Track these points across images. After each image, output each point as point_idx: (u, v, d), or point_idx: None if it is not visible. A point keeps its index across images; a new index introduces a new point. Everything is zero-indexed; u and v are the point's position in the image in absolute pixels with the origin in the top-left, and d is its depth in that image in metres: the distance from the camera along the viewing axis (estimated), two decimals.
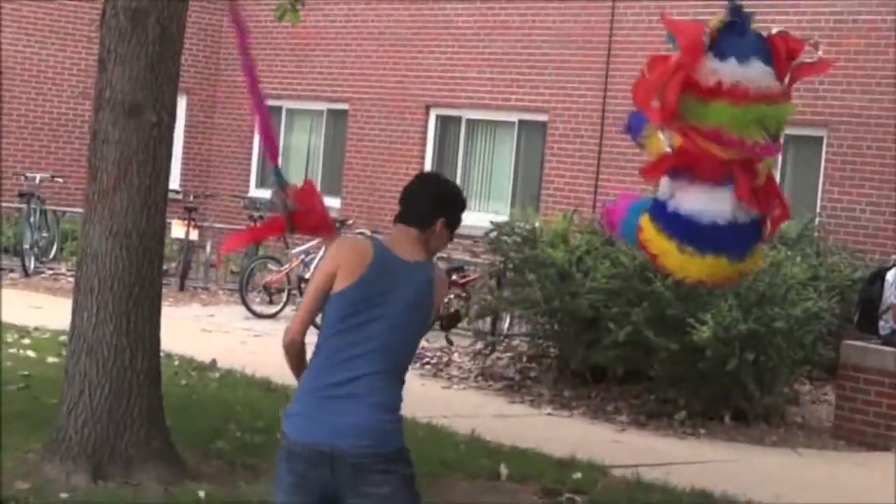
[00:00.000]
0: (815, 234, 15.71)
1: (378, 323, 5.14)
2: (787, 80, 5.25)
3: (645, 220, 5.38)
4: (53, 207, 20.79)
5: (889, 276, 12.82)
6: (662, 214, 5.34)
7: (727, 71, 5.14)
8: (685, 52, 5.14)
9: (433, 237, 5.25)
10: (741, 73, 5.13)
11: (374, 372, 5.11)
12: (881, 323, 12.84)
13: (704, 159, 5.16)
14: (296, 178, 21.43)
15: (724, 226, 5.18)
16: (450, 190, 5.40)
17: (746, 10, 5.28)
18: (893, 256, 13.95)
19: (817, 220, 16.20)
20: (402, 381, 5.21)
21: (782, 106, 5.19)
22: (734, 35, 5.22)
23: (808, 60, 5.33)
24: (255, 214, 20.46)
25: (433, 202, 5.27)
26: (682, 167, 5.26)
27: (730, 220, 5.17)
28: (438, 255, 5.72)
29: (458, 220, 5.33)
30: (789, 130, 16.76)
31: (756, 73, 5.14)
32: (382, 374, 5.12)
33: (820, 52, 5.38)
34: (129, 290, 8.29)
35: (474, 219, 19.02)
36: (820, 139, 16.72)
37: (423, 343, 15.92)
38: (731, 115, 5.09)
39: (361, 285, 5.12)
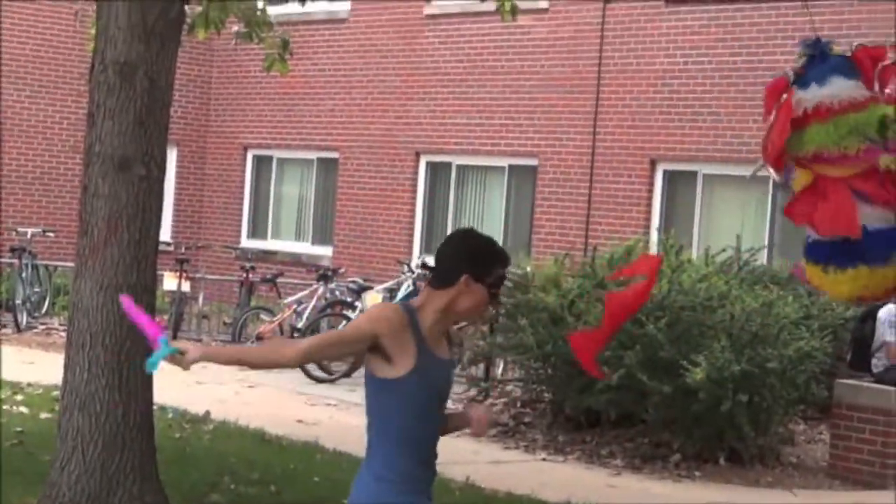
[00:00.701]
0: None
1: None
2: (876, 85, 5.36)
3: (804, 260, 5.53)
4: (45, 262, 20.77)
5: (881, 314, 12.83)
6: (807, 246, 5.49)
7: (808, 96, 5.26)
8: (779, 112, 5.32)
9: (463, 294, 4.92)
10: (820, 93, 5.25)
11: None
12: (874, 361, 12.85)
13: (828, 183, 5.27)
14: (288, 228, 21.52)
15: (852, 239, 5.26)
16: (475, 243, 5.03)
17: (824, 39, 5.42)
18: None
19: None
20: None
21: (874, 108, 5.28)
22: (816, 64, 5.36)
23: (890, 62, 5.44)
24: (247, 265, 20.48)
25: (455, 257, 4.97)
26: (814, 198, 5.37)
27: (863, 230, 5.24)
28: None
29: (488, 274, 4.93)
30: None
31: (836, 89, 5.26)
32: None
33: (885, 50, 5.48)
34: (120, 345, 8.28)
35: None
36: None
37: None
38: (824, 134, 5.21)
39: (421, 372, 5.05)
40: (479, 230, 5.20)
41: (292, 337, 17.76)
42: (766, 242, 16.82)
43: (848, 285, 5.30)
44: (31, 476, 9.28)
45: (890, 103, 5.33)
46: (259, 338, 18.26)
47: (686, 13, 17.40)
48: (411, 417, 4.98)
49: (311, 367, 16.90)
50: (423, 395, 4.94)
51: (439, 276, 4.96)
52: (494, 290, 4.95)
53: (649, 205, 18.29)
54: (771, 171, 5.44)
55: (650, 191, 18.29)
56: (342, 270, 20.07)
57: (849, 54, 5.37)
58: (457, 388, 15.43)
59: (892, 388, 12.42)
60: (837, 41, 5.41)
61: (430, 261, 16.85)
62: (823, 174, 5.26)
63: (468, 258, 4.92)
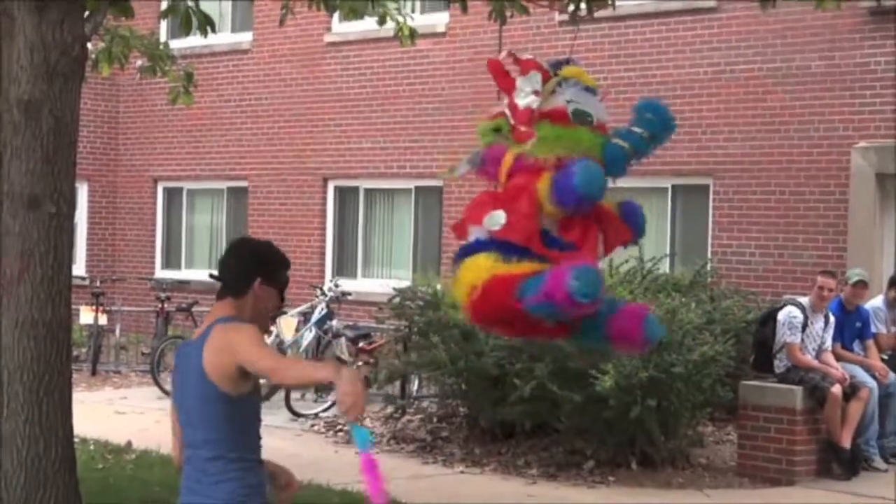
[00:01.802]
0: (708, 279, 15.89)
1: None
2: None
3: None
4: None
5: (780, 316, 12.97)
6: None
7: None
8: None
9: (260, 298, 5.11)
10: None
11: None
12: (776, 362, 12.98)
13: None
14: (201, 257, 21.29)
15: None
16: (260, 248, 5.24)
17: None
18: (784, 297, 14.10)
19: (709, 265, 16.38)
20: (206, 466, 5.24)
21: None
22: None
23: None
24: (163, 295, 20.36)
25: (244, 264, 5.13)
26: None
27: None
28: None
29: (277, 276, 5.15)
30: (677, 181, 17.00)
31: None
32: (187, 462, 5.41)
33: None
34: (38, 380, 8.20)
35: (377, 285, 19.09)
36: (706, 187, 16.94)
37: (333, 410, 15.92)
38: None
39: None
40: (281, 244, 5.45)
41: None
42: (668, 251, 16.95)
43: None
44: None
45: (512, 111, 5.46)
46: None
47: (579, 33, 17.53)
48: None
49: None
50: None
51: (232, 286, 5.10)
52: (282, 293, 5.16)
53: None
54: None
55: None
56: None
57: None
58: (374, 407, 15.48)
59: (795, 388, 12.57)
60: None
61: (347, 285, 16.74)
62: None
63: (257, 263, 5.11)
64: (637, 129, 5.31)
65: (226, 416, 5.07)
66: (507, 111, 5.47)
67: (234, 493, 5.14)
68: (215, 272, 5.21)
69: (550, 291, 4.97)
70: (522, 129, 5.36)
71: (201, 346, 5.03)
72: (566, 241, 5.25)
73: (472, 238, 5.35)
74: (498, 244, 5.27)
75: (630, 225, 5.49)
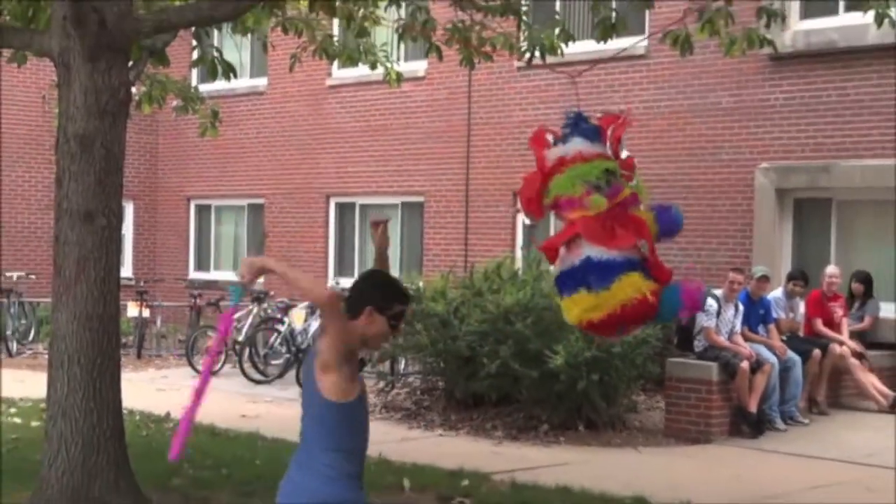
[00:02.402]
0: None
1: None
2: (609, 143, 5.39)
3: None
4: (29, 299, 20.46)
5: None
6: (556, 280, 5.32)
7: (552, 154, 5.26)
8: (538, 162, 5.26)
9: (366, 326, 4.62)
10: (562, 150, 5.25)
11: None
12: (695, 342, 13.00)
13: (567, 227, 5.17)
14: (226, 261, 21.16)
15: (577, 267, 5.06)
16: (382, 281, 4.79)
17: (582, 111, 5.45)
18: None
19: None
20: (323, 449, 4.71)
21: (600, 161, 5.29)
22: (569, 129, 5.36)
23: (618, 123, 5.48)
24: (195, 293, 20.32)
25: (364, 290, 4.70)
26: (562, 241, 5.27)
27: (582, 261, 5.05)
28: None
29: (388, 308, 4.65)
30: None
31: (573, 146, 5.25)
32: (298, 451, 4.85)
33: (623, 118, 5.50)
34: (93, 363, 8.18)
35: None
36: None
37: None
38: (559, 182, 5.18)
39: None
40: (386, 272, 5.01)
41: (234, 349, 17.62)
42: None
43: (576, 309, 5.06)
44: (25, 474, 9.13)
45: (616, 159, 5.36)
46: (208, 351, 18.10)
47: (534, 76, 17.53)
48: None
49: (251, 371, 16.79)
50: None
51: (349, 306, 4.66)
52: (395, 322, 4.67)
53: (514, 229, 18.38)
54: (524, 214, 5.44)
55: (514, 218, 18.37)
56: (272, 293, 19.95)
57: (595, 121, 5.42)
58: (368, 382, 15.43)
59: (710, 364, 12.60)
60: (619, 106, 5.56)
61: (345, 283, 16.73)
62: (566, 217, 5.15)
63: (373, 293, 4.68)
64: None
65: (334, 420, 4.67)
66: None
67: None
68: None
69: (688, 300, 5.18)
70: (544, 181, 5.32)
71: (314, 360, 4.67)
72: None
73: (584, 255, 5.10)
74: (629, 262, 5.11)
75: (663, 230, 5.48)
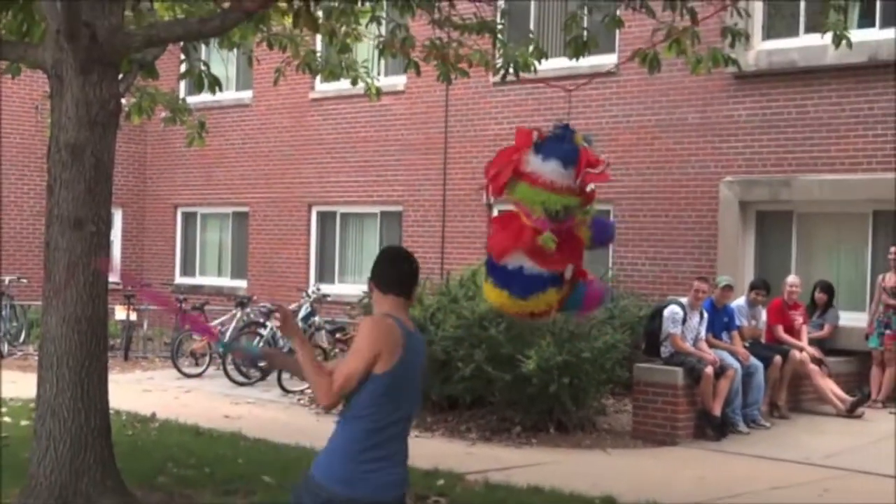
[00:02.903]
0: (610, 283, 15.92)
1: (408, 392, 4.76)
2: (579, 181, 5.44)
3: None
4: (21, 302, 20.36)
5: (665, 312, 13.01)
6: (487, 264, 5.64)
7: (531, 161, 5.34)
8: (517, 148, 5.38)
9: (377, 304, 4.86)
10: (538, 165, 5.32)
11: (404, 436, 4.79)
12: (662, 348, 13.03)
13: (514, 220, 5.46)
14: (211, 267, 21.00)
15: (512, 271, 5.39)
16: (380, 254, 4.98)
17: (570, 127, 5.53)
18: (668, 298, 14.15)
19: (610, 272, 16.42)
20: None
21: (565, 197, 5.38)
22: (554, 142, 5.44)
23: (596, 172, 5.53)
24: (181, 297, 20.23)
25: (413, 276, 4.87)
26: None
27: (515, 268, 5.38)
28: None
29: (384, 279, 4.88)
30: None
31: (549, 169, 5.31)
32: (406, 436, 4.80)
33: (604, 168, 5.56)
34: (81, 364, 8.13)
35: (350, 289, 19.04)
36: (608, 212, 16.99)
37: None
38: (526, 193, 5.33)
39: (402, 365, 4.68)
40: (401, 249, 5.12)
41: (217, 353, 17.54)
42: None
43: (495, 299, 5.51)
44: (15, 470, 9.06)
45: (579, 197, 5.45)
46: (192, 353, 18.03)
47: (508, 90, 17.56)
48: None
49: (234, 373, 16.74)
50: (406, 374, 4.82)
51: (406, 289, 4.85)
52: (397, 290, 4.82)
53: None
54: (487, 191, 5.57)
55: (488, 227, 18.37)
56: (255, 298, 19.92)
57: (585, 146, 5.50)
58: None
59: (676, 369, 12.62)
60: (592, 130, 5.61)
61: (326, 288, 16.61)
62: (516, 213, 5.45)
63: (416, 277, 4.90)
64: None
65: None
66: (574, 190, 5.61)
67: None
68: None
69: (590, 304, 5.55)
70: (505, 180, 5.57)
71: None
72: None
73: (515, 263, 5.37)
74: (553, 279, 5.43)
75: (597, 241, 5.68)
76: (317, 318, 17.44)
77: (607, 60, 16.47)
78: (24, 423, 11.85)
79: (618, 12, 10.84)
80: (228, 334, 17.83)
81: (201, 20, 9.23)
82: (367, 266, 21.92)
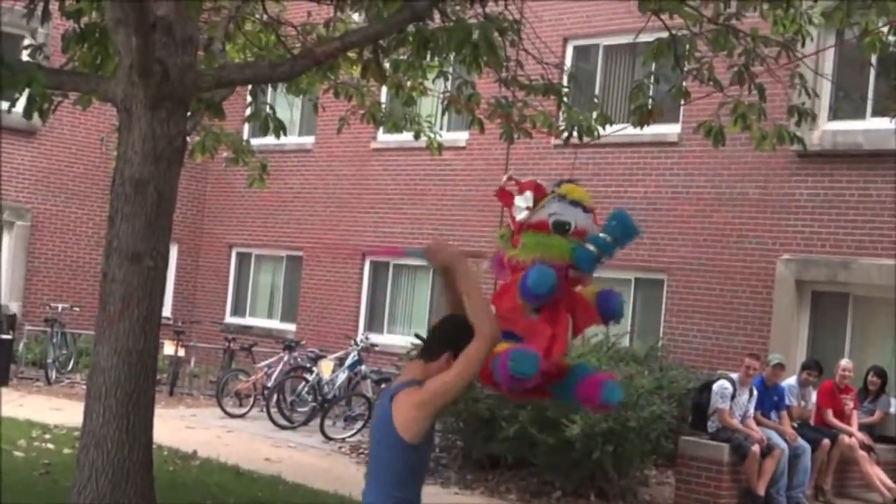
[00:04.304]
0: (659, 353, 15.81)
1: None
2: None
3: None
4: (72, 330, 20.55)
5: (715, 386, 12.89)
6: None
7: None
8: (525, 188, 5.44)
9: (444, 368, 4.56)
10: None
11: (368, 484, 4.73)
12: (709, 423, 12.88)
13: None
14: (262, 309, 21.05)
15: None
16: (459, 327, 4.62)
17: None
18: (718, 372, 14.03)
19: (660, 343, 16.31)
20: (388, 493, 4.61)
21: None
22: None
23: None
24: (230, 336, 20.36)
25: (441, 337, 4.66)
26: None
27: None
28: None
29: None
30: (640, 274, 16.96)
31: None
32: (371, 484, 4.71)
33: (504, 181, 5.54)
34: (129, 397, 8.17)
35: (398, 340, 19.03)
36: (661, 281, 16.91)
37: (358, 436, 15.79)
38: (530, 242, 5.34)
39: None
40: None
41: (263, 393, 17.60)
42: (629, 329, 16.89)
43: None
44: (54, 499, 9.11)
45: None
46: (237, 393, 18.08)
47: (569, 154, 17.57)
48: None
49: (277, 416, 16.75)
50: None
51: (426, 352, 4.68)
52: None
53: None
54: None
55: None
56: (303, 342, 19.97)
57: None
58: None
59: (723, 444, 12.47)
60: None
61: (375, 338, 16.66)
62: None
63: (451, 341, 4.60)
64: (603, 235, 5.30)
65: (405, 462, 4.63)
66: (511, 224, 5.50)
67: None
68: (421, 334, 4.93)
69: (500, 369, 4.98)
70: (517, 237, 5.38)
71: (390, 404, 4.61)
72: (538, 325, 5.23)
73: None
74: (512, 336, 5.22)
75: (602, 310, 5.45)
76: (363, 367, 17.45)
77: (671, 130, 16.46)
78: (66, 451, 11.91)
79: (684, 84, 10.86)
80: (274, 377, 17.87)
81: (272, 64, 9.35)
82: (417, 316, 22.04)
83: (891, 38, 10.08)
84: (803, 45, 10.72)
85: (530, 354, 5.01)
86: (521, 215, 5.30)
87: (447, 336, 4.64)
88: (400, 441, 4.55)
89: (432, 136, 13.12)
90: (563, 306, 5.21)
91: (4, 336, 18.79)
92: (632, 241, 5.44)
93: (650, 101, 10.76)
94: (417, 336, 5.00)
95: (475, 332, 4.51)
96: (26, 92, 8.29)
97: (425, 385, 4.56)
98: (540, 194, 5.37)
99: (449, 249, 4.77)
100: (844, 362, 14.22)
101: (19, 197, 22.15)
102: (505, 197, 5.42)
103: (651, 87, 11.16)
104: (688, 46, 10.45)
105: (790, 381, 13.73)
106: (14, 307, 21.31)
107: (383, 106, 13.24)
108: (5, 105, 9.57)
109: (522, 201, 5.32)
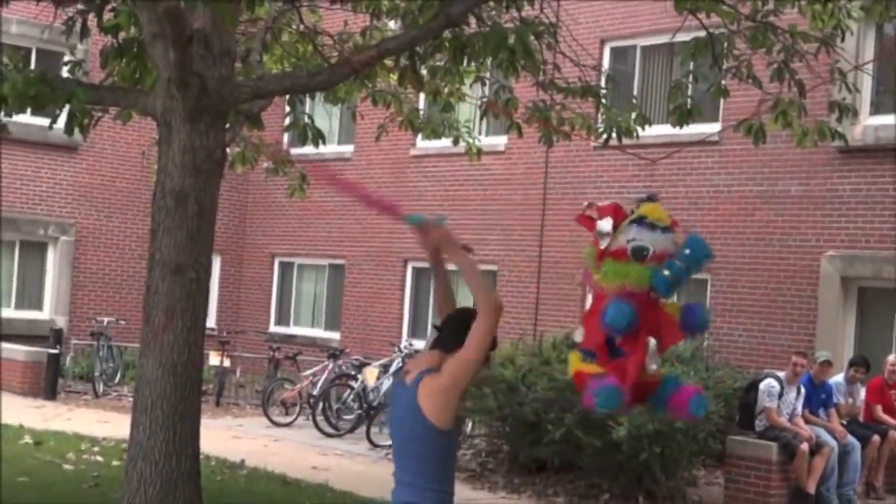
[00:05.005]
0: (705, 353, 15.71)
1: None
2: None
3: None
4: (118, 343, 20.69)
5: (761, 385, 12.81)
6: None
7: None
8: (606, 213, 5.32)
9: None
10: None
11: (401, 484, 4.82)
12: (757, 422, 12.80)
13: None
14: (306, 317, 21.12)
15: None
16: (472, 316, 4.74)
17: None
18: (765, 371, 13.93)
19: (706, 343, 16.20)
20: (415, 483, 4.73)
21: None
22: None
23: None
24: (274, 346, 20.44)
25: (460, 328, 4.72)
26: None
27: None
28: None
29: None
30: None
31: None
32: (397, 478, 4.83)
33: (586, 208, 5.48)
34: (174, 408, 8.21)
35: None
36: (705, 281, 16.81)
37: None
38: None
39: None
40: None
41: (308, 402, 17.65)
42: None
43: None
44: None
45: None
46: (283, 402, 18.14)
47: (609, 156, 17.51)
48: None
49: (323, 424, 16.78)
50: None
51: (444, 342, 4.74)
52: (489, 352, 4.70)
53: (583, 301, 18.27)
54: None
55: (584, 290, 18.29)
56: (347, 350, 20.00)
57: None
58: None
59: (771, 443, 12.39)
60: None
61: (418, 344, 16.65)
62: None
63: (467, 331, 4.67)
64: (679, 263, 5.37)
65: (440, 450, 4.70)
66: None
67: None
68: (438, 323, 4.97)
69: (586, 400, 5.16)
70: (599, 262, 5.44)
71: (415, 393, 4.64)
72: (622, 350, 5.33)
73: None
74: (584, 350, 5.35)
75: (686, 324, 5.51)
76: None
77: (710, 129, 16.38)
78: (115, 463, 11.99)
79: (723, 82, 10.79)
80: (319, 385, 17.91)
81: (309, 74, 9.38)
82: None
83: None
84: (843, 39, 10.63)
85: (612, 389, 5.21)
86: (603, 242, 5.36)
87: (464, 326, 4.70)
88: (432, 429, 4.62)
89: (471, 141, 13.11)
90: (643, 331, 5.32)
91: (51, 350, 18.94)
92: (706, 264, 5.52)
93: (689, 100, 10.71)
94: (435, 327, 5.00)
95: (478, 307, 4.63)
96: (67, 108, 8.35)
97: (443, 369, 4.63)
98: (619, 217, 5.40)
99: (442, 229, 4.85)
100: (892, 357, 14.07)
101: (63, 212, 22.36)
102: (585, 222, 5.46)
103: (690, 86, 11.11)
104: (726, 44, 10.40)
105: (838, 379, 13.62)
106: (60, 321, 21.49)
107: (421, 113, 13.26)
108: (47, 121, 9.63)
109: (604, 226, 5.37)
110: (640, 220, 5.35)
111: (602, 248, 5.35)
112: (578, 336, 5.44)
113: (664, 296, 5.37)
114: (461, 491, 12.64)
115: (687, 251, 5.40)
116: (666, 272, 5.29)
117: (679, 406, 5.37)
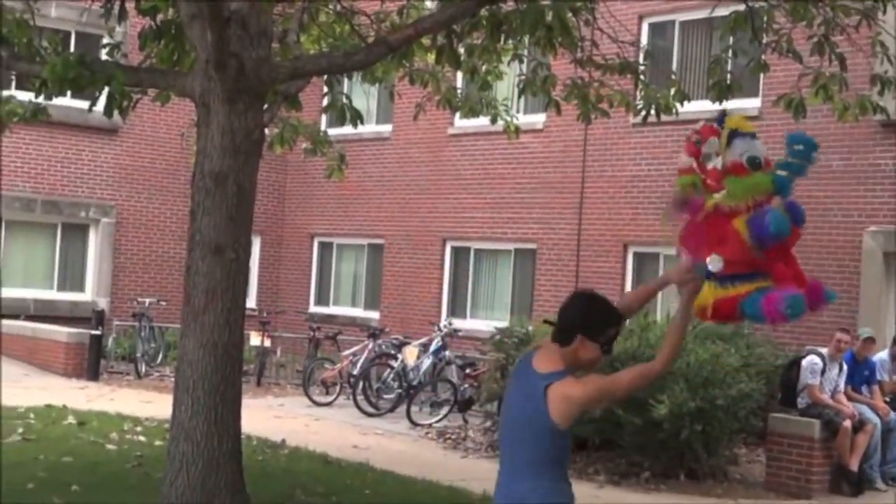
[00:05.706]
0: (745, 330, 15.60)
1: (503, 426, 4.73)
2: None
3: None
4: (159, 324, 20.82)
5: (803, 362, 12.74)
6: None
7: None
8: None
9: (580, 350, 4.53)
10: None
11: (502, 465, 4.68)
12: (799, 399, 12.73)
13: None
14: (345, 297, 21.19)
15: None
16: (588, 307, 4.63)
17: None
18: (807, 347, 13.83)
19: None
20: (528, 473, 4.56)
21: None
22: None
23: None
24: (314, 326, 20.51)
25: (572, 319, 4.57)
26: None
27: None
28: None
29: (599, 334, 4.54)
30: None
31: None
32: (507, 467, 4.64)
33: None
34: (216, 388, 8.26)
35: (482, 325, 19.03)
36: None
37: (444, 421, 15.86)
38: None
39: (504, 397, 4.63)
40: (597, 293, 4.79)
41: (349, 381, 17.71)
42: None
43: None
44: (147, 491, 9.23)
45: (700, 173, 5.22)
46: (323, 382, 18.21)
47: (648, 132, 17.41)
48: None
49: (364, 404, 16.83)
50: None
51: (560, 335, 4.57)
52: (607, 347, 4.57)
53: (623, 278, 18.22)
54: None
55: (623, 267, 18.23)
56: (387, 329, 20.05)
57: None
58: (475, 420, 15.40)
59: (813, 420, 12.32)
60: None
61: (458, 323, 16.63)
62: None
63: (583, 322, 4.54)
64: (791, 160, 5.24)
65: (556, 446, 4.57)
66: (698, 170, 5.33)
67: None
68: (552, 319, 4.72)
69: (768, 311, 4.92)
70: (713, 184, 5.26)
71: (544, 391, 4.48)
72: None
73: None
74: (718, 277, 5.14)
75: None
76: (447, 353, 17.48)
77: (751, 104, 16.23)
78: (157, 443, 12.08)
79: (763, 57, 10.69)
80: (360, 365, 17.97)
81: (346, 54, 9.37)
82: (499, 302, 22.00)
83: None
84: (884, 12, 10.50)
85: (797, 297, 5.01)
86: (711, 163, 5.21)
87: (579, 320, 4.56)
88: (552, 428, 4.49)
89: (509, 119, 13.06)
90: (790, 243, 5.19)
91: (94, 332, 19.10)
92: (815, 160, 5.32)
93: (728, 75, 10.62)
94: (547, 321, 4.80)
95: (660, 354, 4.57)
96: (106, 90, 8.39)
97: (585, 382, 4.49)
98: (714, 136, 5.28)
99: (685, 277, 4.85)
100: None
101: (103, 194, 22.51)
102: (691, 149, 5.31)
103: (729, 61, 11.01)
104: (765, 18, 10.29)
105: (881, 355, 13.51)
106: (102, 303, 21.67)
107: (459, 91, 13.22)
108: (86, 104, 9.69)
109: (710, 148, 5.23)
110: (737, 134, 5.24)
111: (713, 168, 5.20)
112: (716, 265, 5.17)
113: (787, 196, 5.21)
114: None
115: (798, 146, 5.24)
116: (782, 173, 5.17)
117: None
